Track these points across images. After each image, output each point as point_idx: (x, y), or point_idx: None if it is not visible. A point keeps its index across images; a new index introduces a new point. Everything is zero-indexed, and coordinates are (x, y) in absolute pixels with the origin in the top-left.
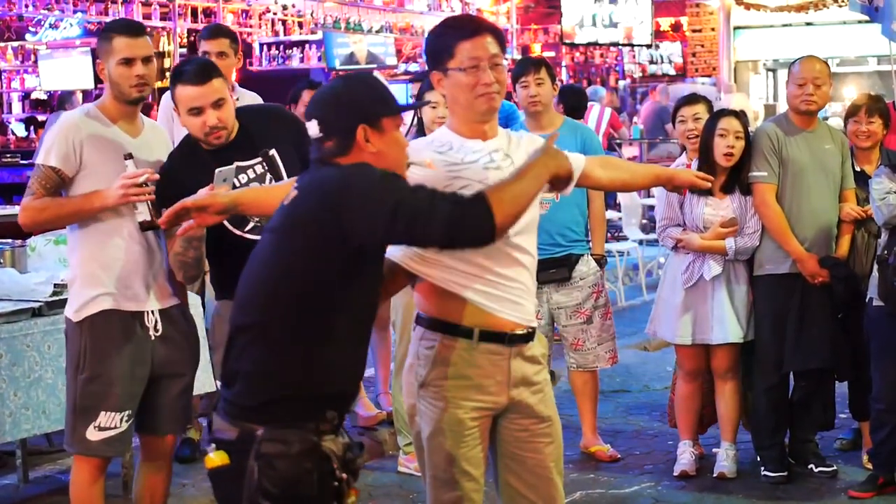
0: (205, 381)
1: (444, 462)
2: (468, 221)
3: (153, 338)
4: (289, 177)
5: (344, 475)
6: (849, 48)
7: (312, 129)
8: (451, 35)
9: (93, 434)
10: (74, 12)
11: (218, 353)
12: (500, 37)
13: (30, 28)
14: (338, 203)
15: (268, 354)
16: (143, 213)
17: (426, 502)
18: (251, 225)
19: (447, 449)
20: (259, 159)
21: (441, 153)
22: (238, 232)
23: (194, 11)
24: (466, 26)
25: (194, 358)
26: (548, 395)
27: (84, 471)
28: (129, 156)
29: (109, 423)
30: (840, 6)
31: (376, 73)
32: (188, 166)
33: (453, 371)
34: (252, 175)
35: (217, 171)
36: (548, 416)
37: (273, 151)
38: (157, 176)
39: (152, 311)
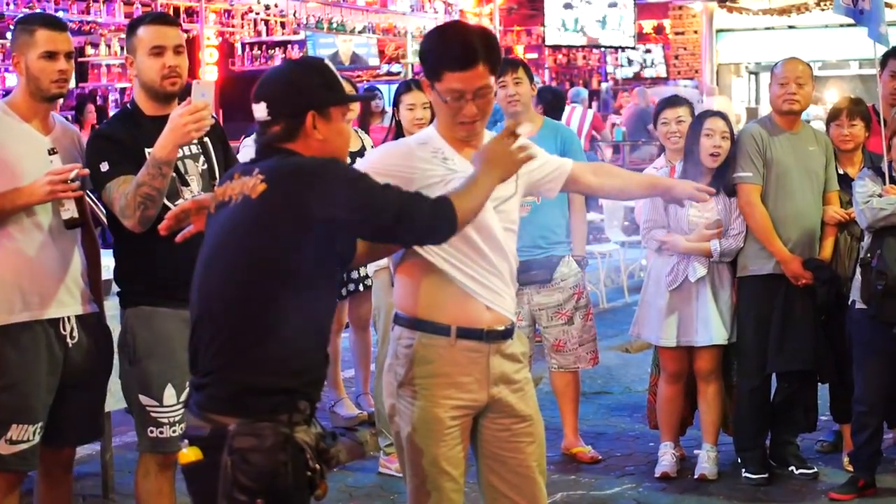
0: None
1: (423, 461)
2: (441, 218)
3: (70, 345)
4: (219, 171)
5: (317, 466)
6: (831, 52)
7: (260, 111)
8: (443, 61)
9: (4, 448)
10: (56, 11)
11: (139, 366)
12: (493, 61)
13: (11, 27)
14: (311, 185)
15: (235, 345)
16: (70, 211)
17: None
18: (179, 200)
19: (427, 448)
20: (196, 142)
21: (435, 156)
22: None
23: (177, 11)
24: (459, 55)
25: (107, 368)
26: (528, 394)
27: None
28: (53, 151)
29: (22, 437)
30: (822, 10)
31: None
32: (128, 128)
33: (432, 369)
34: (188, 153)
35: (195, 82)
36: (528, 414)
37: (207, 139)
38: (86, 171)
39: (69, 318)
